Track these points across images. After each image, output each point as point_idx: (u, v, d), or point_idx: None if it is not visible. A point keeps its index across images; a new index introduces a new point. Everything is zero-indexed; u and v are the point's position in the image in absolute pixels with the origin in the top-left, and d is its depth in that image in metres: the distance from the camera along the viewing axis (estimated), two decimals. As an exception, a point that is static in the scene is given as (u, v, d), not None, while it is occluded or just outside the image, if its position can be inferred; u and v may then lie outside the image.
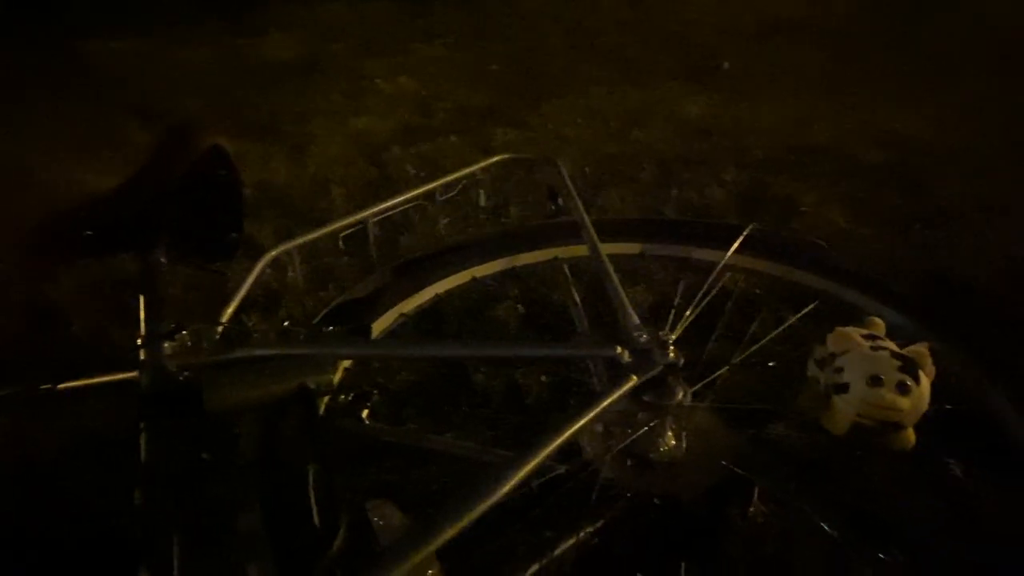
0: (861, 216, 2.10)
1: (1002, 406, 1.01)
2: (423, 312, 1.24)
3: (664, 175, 2.47)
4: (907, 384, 0.88)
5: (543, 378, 1.54)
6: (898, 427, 0.91)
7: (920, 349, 0.93)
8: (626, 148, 2.70)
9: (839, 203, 2.18)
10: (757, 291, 1.66)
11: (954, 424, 1.04)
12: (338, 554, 0.88)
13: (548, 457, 0.84)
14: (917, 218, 2.07)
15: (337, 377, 1.11)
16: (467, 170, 1.30)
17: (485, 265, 1.27)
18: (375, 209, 1.22)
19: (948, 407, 1.00)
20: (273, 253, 1.13)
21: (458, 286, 1.26)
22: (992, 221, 2.06)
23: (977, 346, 1.08)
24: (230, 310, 1.06)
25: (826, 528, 1.05)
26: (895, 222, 2.07)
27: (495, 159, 1.33)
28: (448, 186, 1.29)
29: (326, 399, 1.06)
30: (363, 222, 1.21)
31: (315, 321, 1.12)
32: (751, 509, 1.11)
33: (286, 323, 1.00)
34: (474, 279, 1.27)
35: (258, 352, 0.94)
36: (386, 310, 1.16)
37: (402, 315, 1.19)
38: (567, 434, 0.85)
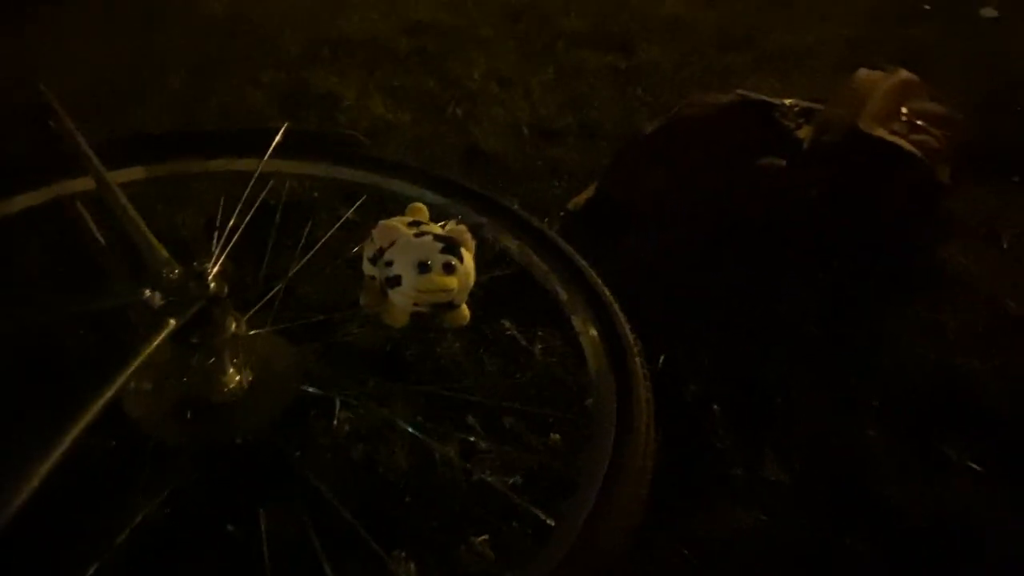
0: (399, 104, 2.13)
1: (536, 265, 1.10)
2: None
3: (196, 82, 2.23)
4: (452, 264, 0.89)
5: (90, 337, 1.30)
6: (452, 306, 0.93)
7: (458, 227, 0.95)
8: (146, 55, 2.37)
9: (378, 93, 2.18)
10: (315, 194, 1.59)
11: (504, 287, 1.12)
12: None
13: (80, 438, 0.69)
14: (448, 99, 2.17)
15: None
16: None
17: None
18: None
19: (496, 274, 1.07)
20: None
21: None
22: (506, 92, 2.24)
23: (510, 214, 1.15)
24: None
25: (401, 424, 1.06)
26: (429, 106, 2.14)
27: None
28: None
29: None
30: None
31: None
32: (334, 422, 1.08)
33: None
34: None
35: None
36: None
37: None
38: (95, 409, 0.70)
